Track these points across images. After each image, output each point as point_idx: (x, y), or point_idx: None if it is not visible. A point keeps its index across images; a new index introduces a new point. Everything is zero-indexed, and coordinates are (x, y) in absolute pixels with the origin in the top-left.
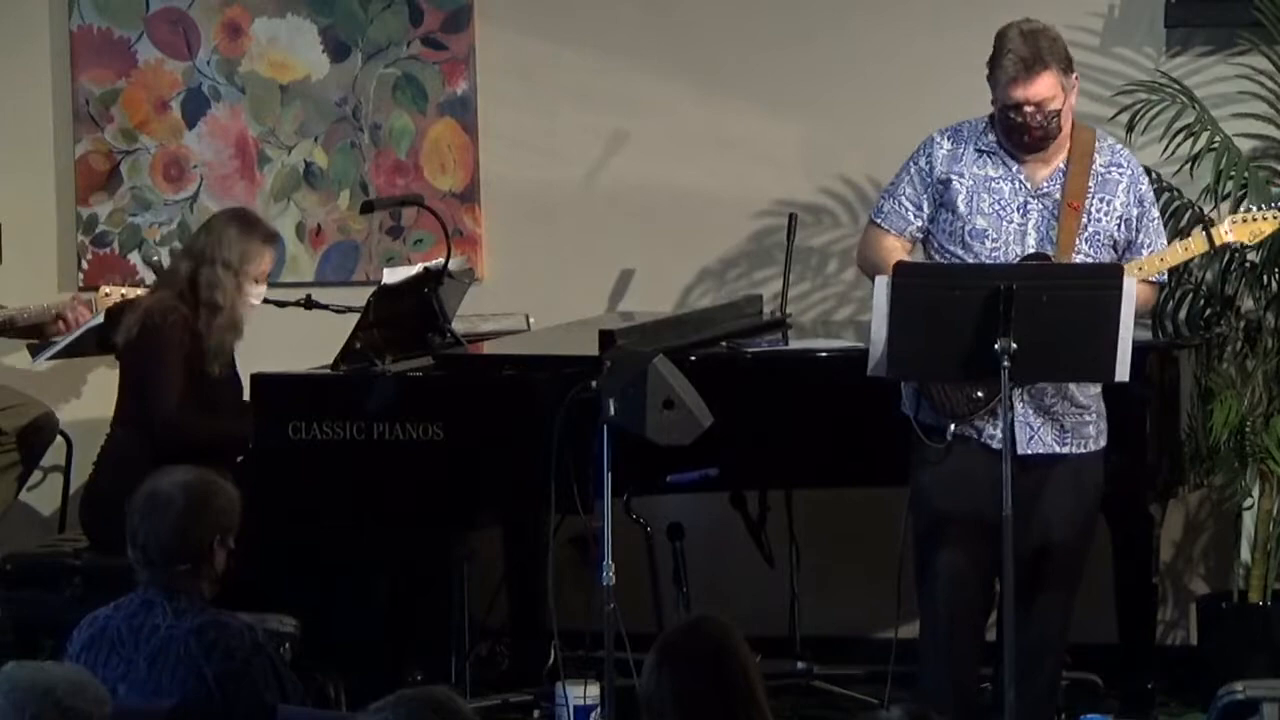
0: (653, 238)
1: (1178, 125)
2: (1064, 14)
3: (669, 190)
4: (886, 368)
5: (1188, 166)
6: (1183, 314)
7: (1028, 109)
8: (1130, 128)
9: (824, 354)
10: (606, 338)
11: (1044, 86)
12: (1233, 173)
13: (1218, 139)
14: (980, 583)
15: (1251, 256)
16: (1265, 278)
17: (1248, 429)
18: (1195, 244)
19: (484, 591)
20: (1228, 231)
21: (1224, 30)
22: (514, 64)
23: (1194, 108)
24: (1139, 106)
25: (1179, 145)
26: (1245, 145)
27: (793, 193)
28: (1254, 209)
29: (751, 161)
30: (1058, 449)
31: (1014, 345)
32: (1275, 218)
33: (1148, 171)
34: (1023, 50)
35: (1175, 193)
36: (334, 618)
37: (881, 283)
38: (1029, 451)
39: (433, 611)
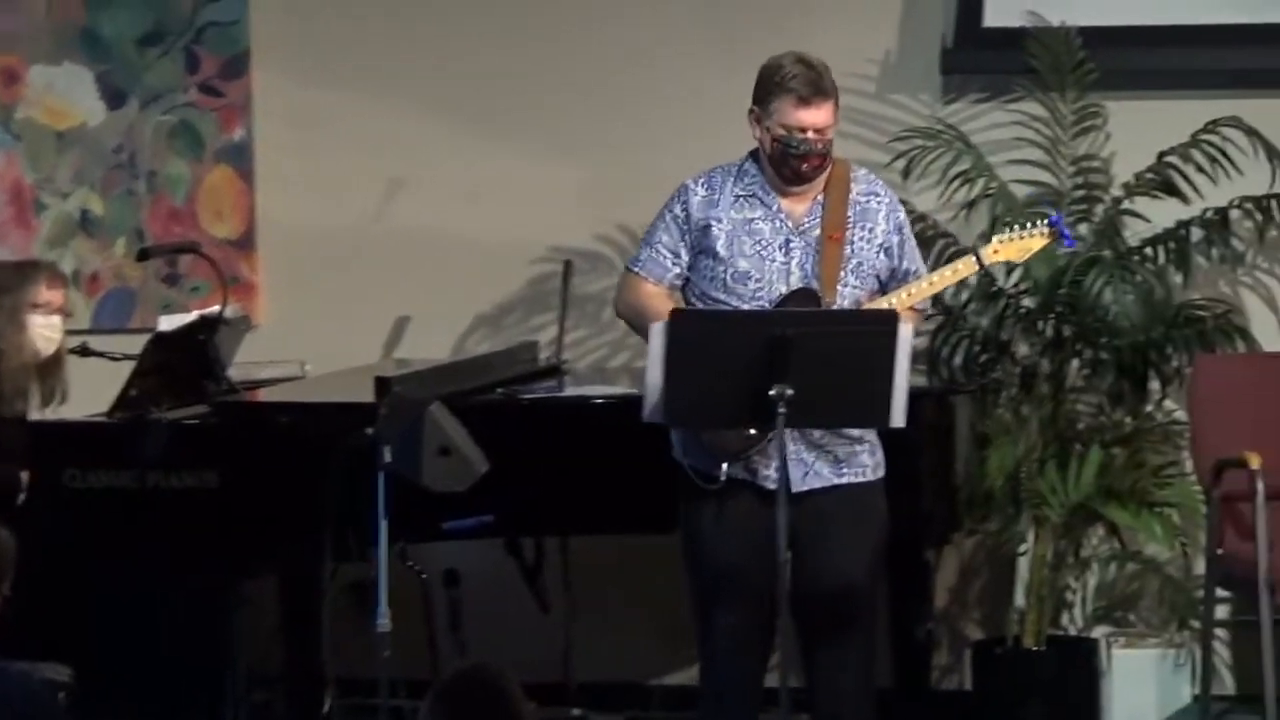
0: (429, 284)
1: (954, 171)
2: (841, 60)
3: (445, 237)
4: (662, 414)
5: (963, 212)
6: (959, 360)
7: (810, 135)
8: (907, 173)
9: (599, 401)
10: (382, 385)
11: (826, 114)
12: (1008, 218)
13: (994, 185)
14: (762, 631)
15: (1027, 303)
16: (1040, 324)
17: (1022, 474)
18: (964, 266)
19: (260, 638)
20: (996, 250)
21: (999, 77)
22: (292, 111)
23: (970, 154)
24: (915, 152)
25: (955, 191)
26: (1021, 191)
27: (568, 239)
28: (1021, 226)
29: (528, 208)
30: (835, 480)
31: (790, 391)
32: (1043, 234)
33: (924, 218)
34: (809, 75)
35: (951, 238)
36: (109, 666)
37: (657, 329)
38: (805, 488)
39: (209, 659)
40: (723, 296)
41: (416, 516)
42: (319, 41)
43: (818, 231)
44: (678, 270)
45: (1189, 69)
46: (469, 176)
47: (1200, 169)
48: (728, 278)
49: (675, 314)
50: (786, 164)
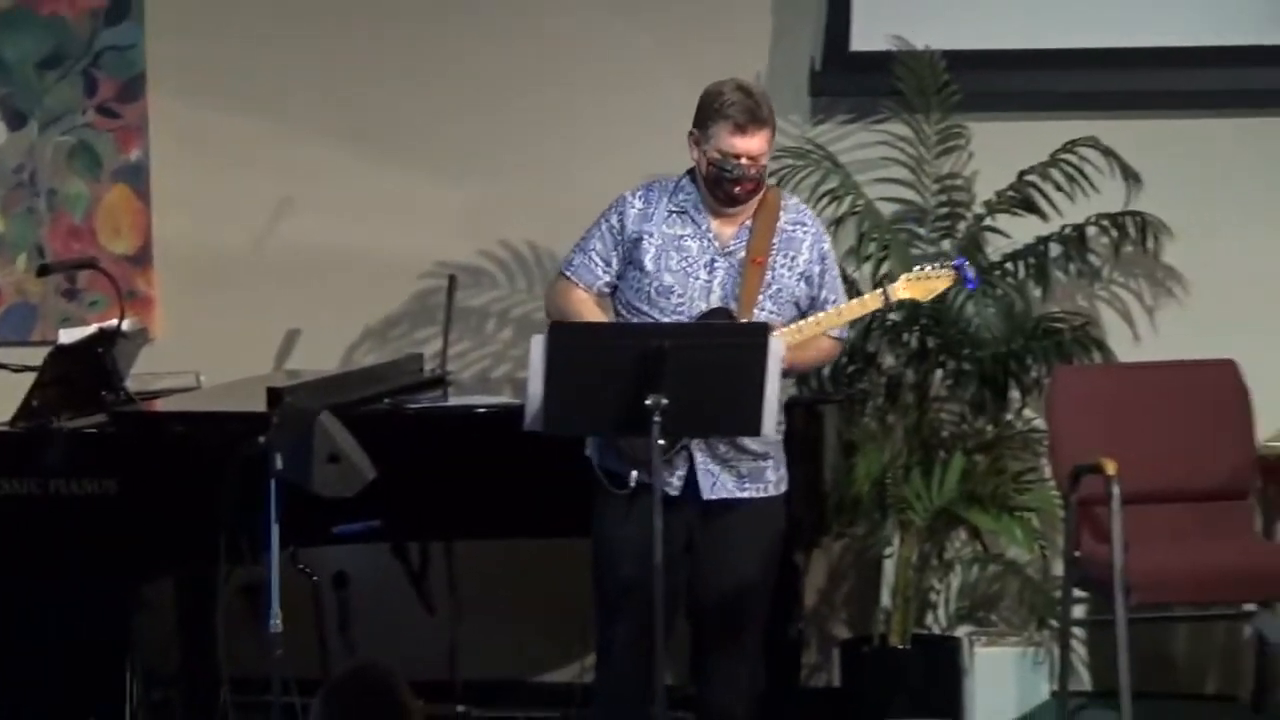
0: (319, 298)
1: (823, 189)
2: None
3: (335, 253)
4: (542, 423)
5: (832, 228)
6: (826, 370)
7: (745, 161)
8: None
9: (482, 410)
10: (274, 395)
11: (761, 141)
12: (874, 235)
13: (860, 202)
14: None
15: (892, 316)
16: (905, 336)
17: (888, 481)
18: (871, 301)
19: (158, 639)
20: (902, 289)
21: (866, 99)
22: (186, 132)
23: (838, 172)
24: (786, 171)
25: (824, 208)
26: (887, 209)
27: (452, 255)
28: (928, 267)
29: (413, 226)
30: (738, 494)
31: (664, 401)
32: (948, 276)
33: None
34: (747, 103)
35: None
36: (8, 669)
37: (537, 341)
38: (713, 497)
39: (109, 659)
40: (646, 308)
41: (307, 521)
42: (212, 65)
43: (742, 254)
44: (607, 278)
45: (1048, 91)
46: (357, 196)
47: (1059, 187)
48: (652, 291)
49: (554, 327)
50: (720, 187)
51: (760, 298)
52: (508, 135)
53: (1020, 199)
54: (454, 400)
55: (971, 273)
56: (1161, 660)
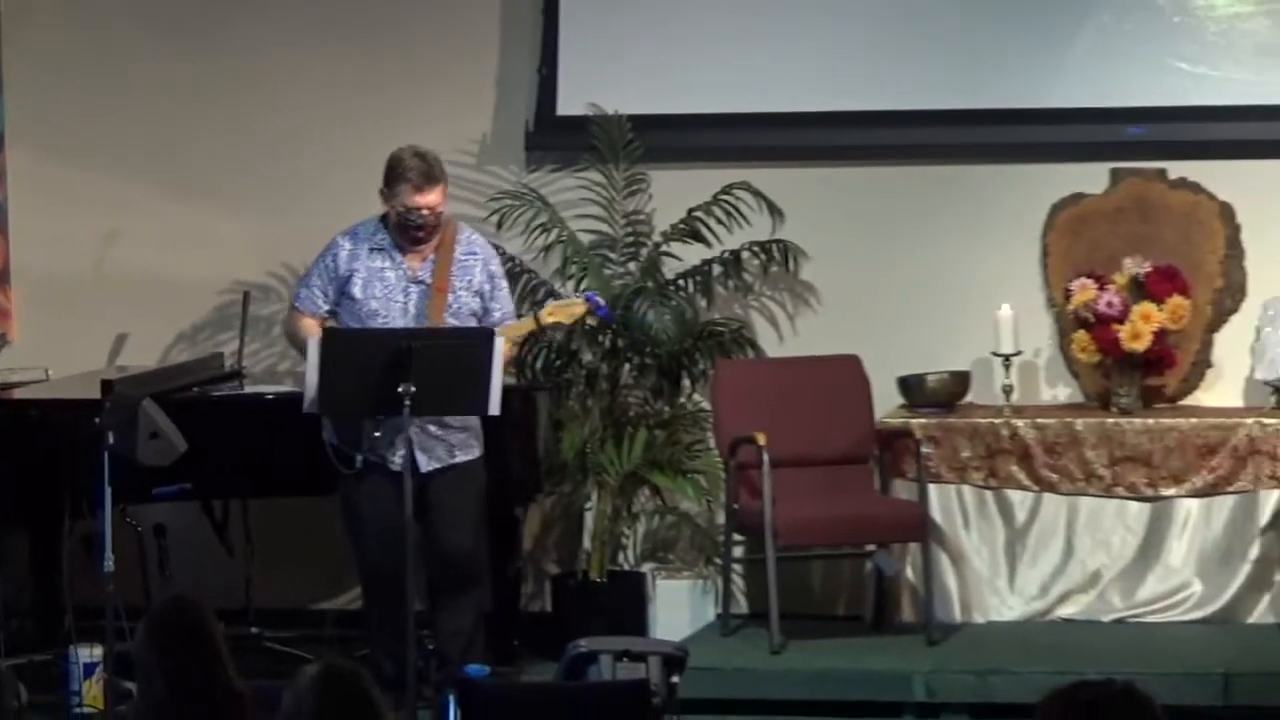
0: (142, 309)
1: (535, 223)
2: (450, 140)
3: (154, 273)
4: (318, 407)
5: (543, 254)
6: (540, 364)
7: (425, 213)
8: (500, 225)
9: (270, 396)
10: (107, 385)
11: (437, 196)
12: (576, 259)
13: (565, 234)
14: (400, 570)
15: (591, 321)
16: (600, 337)
17: (588, 450)
18: (527, 323)
19: (15, 579)
20: (550, 314)
21: (569, 152)
22: (38, 178)
23: (547, 210)
24: (506, 209)
25: (537, 238)
26: (586, 238)
27: (246, 275)
28: (569, 297)
29: (216, 251)
30: (450, 460)
31: (413, 388)
32: (578, 302)
33: (514, 259)
34: (422, 167)
35: (533, 274)
36: None
37: (314, 342)
38: (430, 468)
39: None
40: (358, 327)
41: (133, 484)
42: (59, 124)
43: (429, 281)
44: (327, 307)
45: (712, 146)
46: (171, 228)
47: (720, 221)
48: (362, 314)
49: (327, 331)
50: (406, 233)
51: (445, 315)
52: (289, 180)
53: (689, 230)
54: (248, 389)
55: (601, 302)
56: (802, 589)
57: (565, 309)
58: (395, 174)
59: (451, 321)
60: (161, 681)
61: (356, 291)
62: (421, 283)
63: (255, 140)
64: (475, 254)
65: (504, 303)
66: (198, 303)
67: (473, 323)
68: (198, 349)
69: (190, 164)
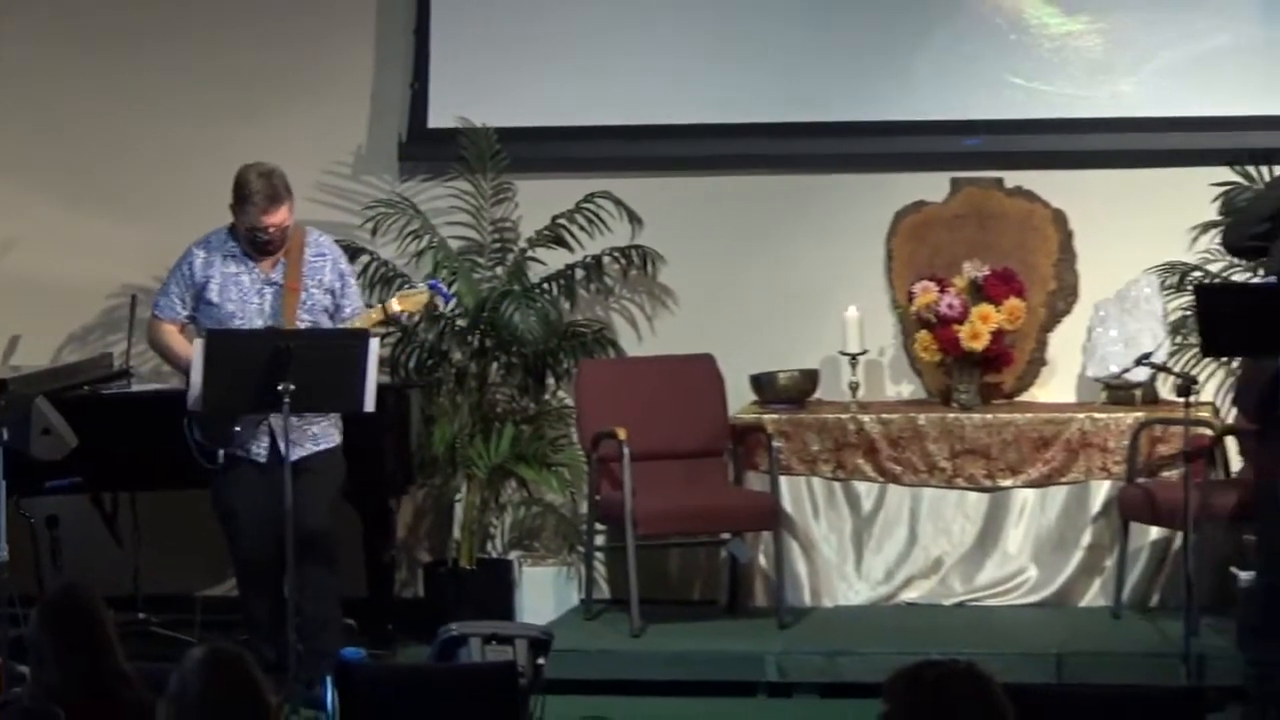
0: (36, 313)
1: (408, 230)
2: (327, 151)
3: (47, 278)
4: (202, 405)
5: (415, 259)
6: (412, 363)
7: (271, 230)
8: (375, 231)
9: (157, 394)
10: (1, 385)
11: (282, 214)
12: (446, 264)
13: (436, 240)
14: (272, 558)
15: (460, 322)
16: (470, 337)
17: (458, 444)
18: (376, 314)
19: None
20: (396, 304)
21: (440, 163)
22: None
23: (419, 218)
24: (380, 216)
25: (409, 244)
26: (456, 244)
27: (133, 280)
28: (410, 286)
29: (105, 257)
30: (314, 448)
31: (292, 386)
32: (423, 290)
33: (387, 263)
34: (266, 190)
35: (406, 277)
36: None
37: (198, 344)
38: (294, 458)
39: None
40: (244, 329)
41: (26, 478)
42: None
43: (282, 282)
44: (186, 313)
45: (574, 157)
46: (63, 236)
47: (582, 227)
48: (220, 317)
49: (209, 333)
50: (255, 246)
51: (299, 312)
52: (175, 191)
53: (553, 236)
54: (135, 388)
55: (443, 287)
56: (660, 575)
57: (411, 298)
58: (242, 195)
59: (305, 318)
60: (54, 665)
61: (213, 296)
62: (275, 284)
63: (144, 154)
64: (324, 255)
65: (353, 299)
66: (88, 306)
67: (325, 319)
68: (88, 350)
69: (82, 176)
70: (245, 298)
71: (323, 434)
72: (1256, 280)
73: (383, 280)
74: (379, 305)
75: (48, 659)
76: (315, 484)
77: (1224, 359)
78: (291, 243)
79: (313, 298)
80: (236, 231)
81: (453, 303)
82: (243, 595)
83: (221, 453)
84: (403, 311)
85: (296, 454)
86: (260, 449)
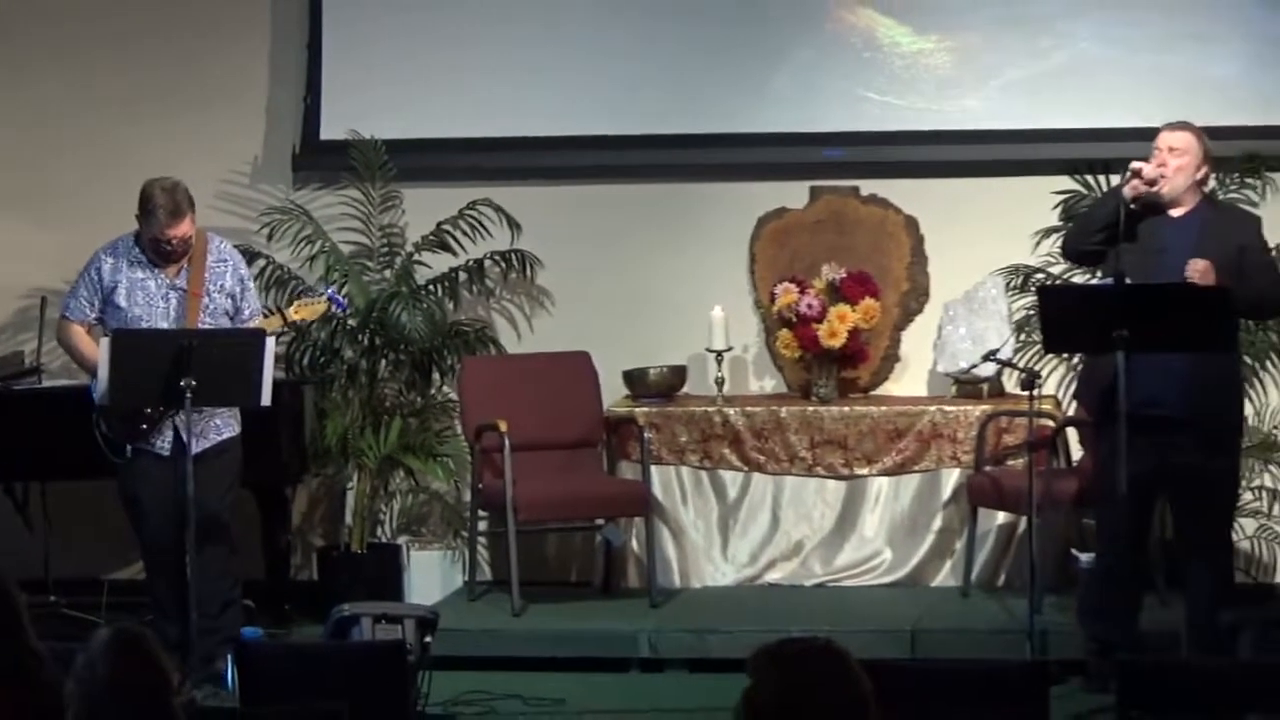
0: None
1: (301, 236)
2: (225, 160)
3: None
4: (109, 399)
5: (309, 263)
6: (306, 360)
7: (174, 241)
8: (270, 237)
9: (66, 390)
10: None
11: (185, 226)
12: (337, 267)
13: (328, 245)
14: (175, 542)
15: (351, 322)
16: (360, 336)
17: (349, 436)
18: (274, 320)
19: None
20: (295, 312)
21: (331, 172)
22: None
23: (312, 224)
24: (275, 223)
25: (303, 249)
26: (347, 249)
27: (44, 282)
28: (311, 296)
29: (17, 259)
30: (216, 439)
31: (194, 382)
32: (322, 301)
33: (282, 266)
34: (169, 205)
35: (300, 280)
36: None
37: (104, 342)
38: (196, 450)
39: None
40: (147, 329)
41: None
42: None
43: (185, 287)
44: (94, 315)
45: (457, 166)
46: None
47: (465, 233)
48: (127, 319)
49: (115, 333)
50: (159, 254)
51: (202, 316)
52: (84, 199)
53: (438, 241)
54: (46, 384)
55: (340, 298)
56: (539, 558)
57: (309, 307)
58: (147, 209)
59: (208, 321)
60: None
61: (121, 300)
62: (179, 289)
63: (55, 164)
64: (225, 261)
65: (252, 302)
66: (0, 307)
67: (225, 321)
68: (1, 349)
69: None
70: (151, 302)
71: (224, 424)
72: (1095, 282)
73: (278, 283)
74: (278, 312)
75: None
76: (215, 473)
77: (1064, 355)
78: (194, 249)
79: (214, 302)
80: (141, 240)
81: (348, 312)
82: (148, 578)
83: (129, 447)
84: (300, 319)
85: (199, 446)
86: (164, 443)
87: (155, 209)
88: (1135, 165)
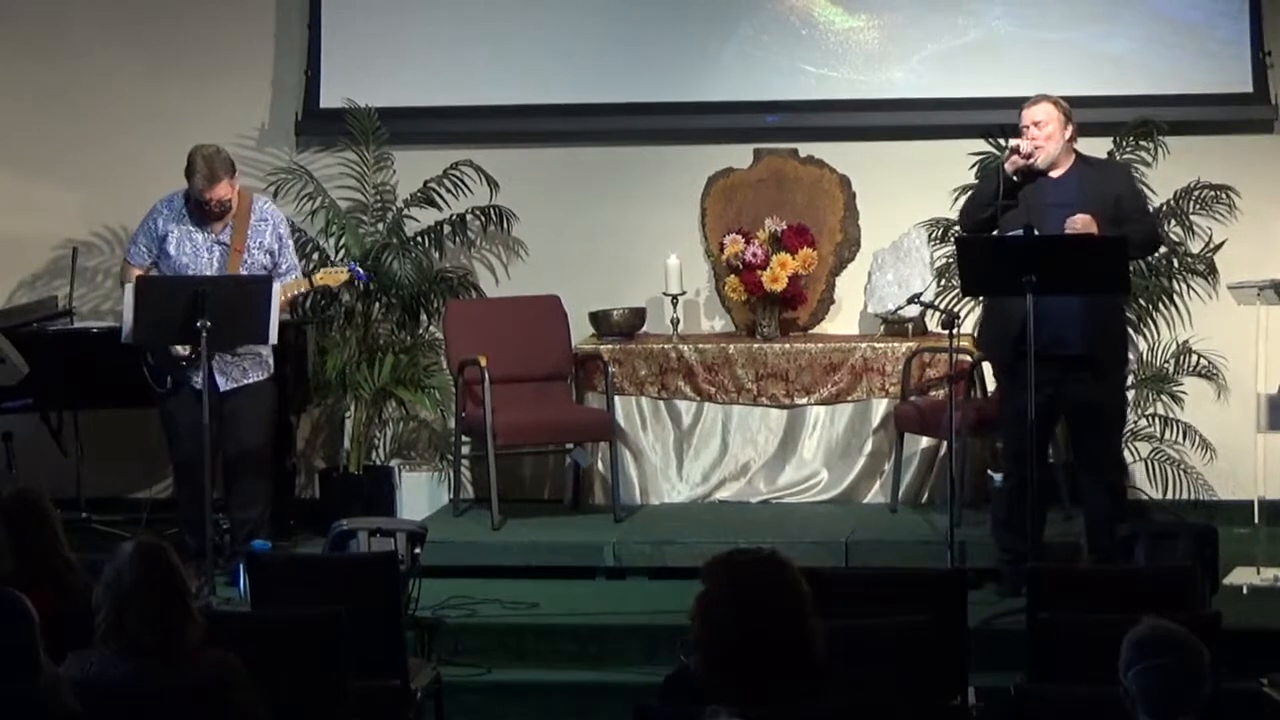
0: None
1: (304, 193)
2: (235, 126)
3: (1, 235)
4: (133, 338)
5: (310, 217)
6: (308, 304)
7: (213, 202)
8: (276, 194)
9: (95, 330)
10: None
11: (224, 189)
12: (336, 221)
13: (327, 201)
14: (202, 464)
15: (355, 285)
16: (356, 282)
17: (347, 371)
18: (302, 282)
19: None
20: (320, 278)
21: (331, 136)
22: None
23: (313, 183)
24: (281, 182)
25: (305, 205)
26: (344, 204)
27: (75, 234)
28: (337, 264)
29: (51, 215)
30: (243, 380)
31: (209, 323)
32: (347, 271)
33: (291, 221)
34: (205, 171)
35: (303, 232)
36: None
37: (129, 288)
38: (227, 387)
39: None
40: (166, 275)
41: None
42: None
43: (229, 243)
44: (151, 260)
45: (442, 131)
46: (13, 197)
47: (449, 190)
48: (175, 268)
49: (139, 279)
50: (203, 213)
51: (241, 270)
52: (110, 158)
53: (425, 198)
54: (78, 324)
55: (361, 272)
56: (515, 478)
57: (333, 274)
58: (190, 171)
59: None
60: (10, 555)
61: (171, 249)
62: (223, 244)
63: (83, 127)
64: (266, 220)
65: (289, 258)
66: (36, 257)
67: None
68: (36, 293)
69: (30, 146)
70: (198, 253)
71: (253, 368)
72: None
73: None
74: (307, 277)
75: (4, 550)
76: (244, 411)
77: (979, 298)
78: (239, 209)
79: (254, 257)
80: (190, 198)
81: (368, 281)
82: (176, 490)
83: (170, 378)
84: (325, 284)
85: (230, 384)
86: (199, 379)
87: (195, 173)
88: (1013, 143)
